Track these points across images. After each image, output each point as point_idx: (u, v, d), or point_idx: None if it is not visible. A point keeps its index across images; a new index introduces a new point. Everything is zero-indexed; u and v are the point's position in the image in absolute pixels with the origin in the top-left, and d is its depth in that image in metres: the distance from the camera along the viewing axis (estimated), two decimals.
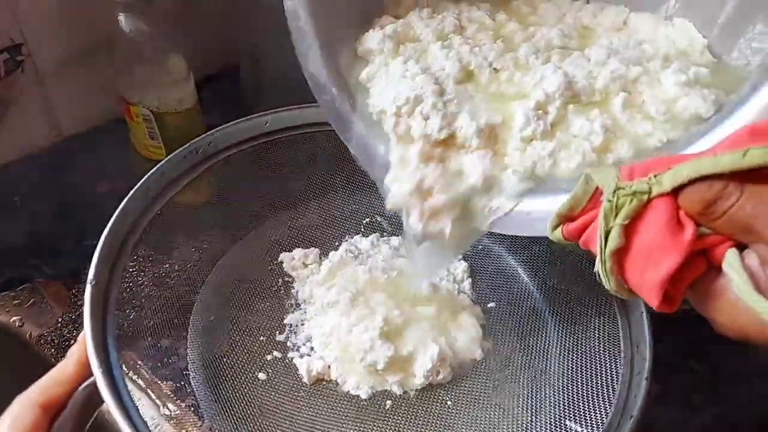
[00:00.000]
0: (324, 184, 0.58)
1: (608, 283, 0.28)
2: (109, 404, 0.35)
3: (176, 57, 0.62)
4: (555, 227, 0.31)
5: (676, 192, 0.26)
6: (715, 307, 0.27)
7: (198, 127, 0.67)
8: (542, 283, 0.53)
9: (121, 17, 0.58)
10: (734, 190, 0.25)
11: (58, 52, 0.72)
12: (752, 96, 0.32)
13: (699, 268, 0.27)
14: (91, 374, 0.37)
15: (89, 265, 0.63)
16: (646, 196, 0.26)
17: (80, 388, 0.36)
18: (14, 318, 0.62)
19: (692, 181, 0.25)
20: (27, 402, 0.34)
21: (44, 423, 0.34)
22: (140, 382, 0.42)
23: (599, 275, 0.29)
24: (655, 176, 0.26)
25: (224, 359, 0.46)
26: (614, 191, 0.27)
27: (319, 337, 0.48)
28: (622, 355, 0.44)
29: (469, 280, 0.54)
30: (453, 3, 0.46)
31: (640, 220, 0.27)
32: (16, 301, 0.63)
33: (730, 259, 0.26)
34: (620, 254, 0.27)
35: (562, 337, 0.49)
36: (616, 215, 0.27)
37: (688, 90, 0.39)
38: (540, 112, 0.38)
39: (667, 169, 0.26)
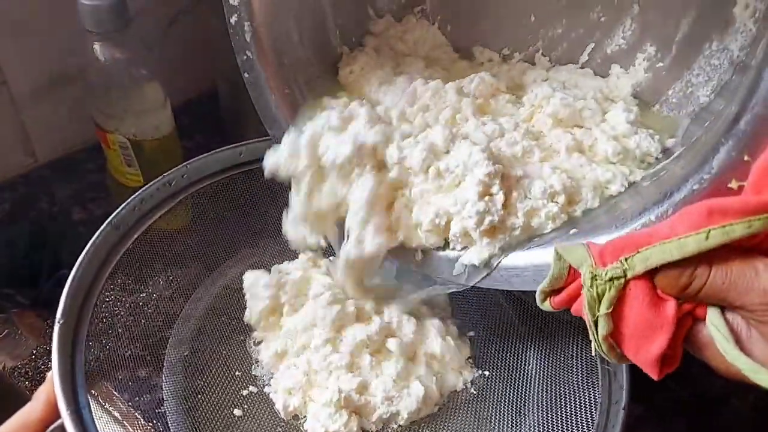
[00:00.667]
0: None
1: (609, 358, 0.30)
2: None
3: (153, 84, 0.62)
4: (543, 300, 0.33)
5: (649, 273, 0.28)
6: (707, 355, 0.29)
7: (176, 152, 0.66)
8: (522, 311, 0.53)
9: (96, 46, 0.58)
10: (703, 271, 0.27)
11: (34, 79, 0.72)
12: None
13: (687, 324, 0.29)
14: (59, 415, 0.36)
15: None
16: (622, 280, 0.28)
17: (48, 430, 0.35)
18: None
19: (662, 266, 0.27)
20: None
21: None
22: (116, 414, 0.41)
23: (598, 352, 0.30)
24: (626, 259, 0.28)
25: (199, 395, 0.46)
26: (591, 280, 0.29)
27: (290, 378, 0.47)
28: (600, 383, 0.44)
29: (449, 307, 0.54)
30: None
31: (622, 303, 0.29)
32: None
33: (712, 319, 0.28)
34: (613, 336, 0.29)
35: (541, 365, 0.49)
36: (599, 302, 0.29)
37: (635, 129, 0.40)
38: (486, 198, 0.38)
39: (635, 251, 0.28)
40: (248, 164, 0.53)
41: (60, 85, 0.73)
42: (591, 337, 0.30)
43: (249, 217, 0.55)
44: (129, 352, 0.46)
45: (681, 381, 0.63)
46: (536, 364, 0.49)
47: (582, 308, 0.30)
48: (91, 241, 0.44)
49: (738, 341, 0.27)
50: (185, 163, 0.51)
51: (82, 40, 0.59)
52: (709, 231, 0.26)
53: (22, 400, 0.58)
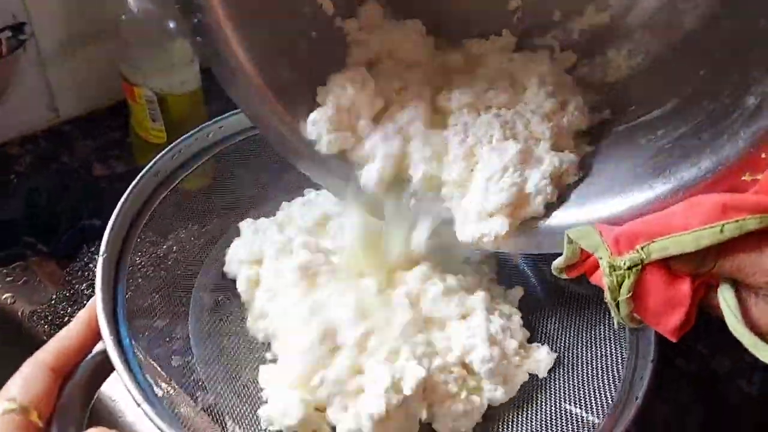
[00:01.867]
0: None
1: (630, 325, 0.34)
2: (120, 373, 0.35)
3: (182, 40, 0.63)
4: (559, 273, 0.36)
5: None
6: (721, 315, 0.31)
7: (200, 112, 0.67)
8: (542, 274, 0.55)
9: None
10: (715, 256, 0.30)
11: (61, 34, 0.72)
12: None
13: (700, 293, 0.32)
14: (97, 342, 0.37)
15: (84, 246, 0.64)
16: (639, 267, 0.31)
17: (89, 356, 0.36)
18: (6, 295, 0.62)
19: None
20: (39, 365, 0.35)
21: (55, 386, 0.34)
22: (155, 358, 0.43)
23: (620, 322, 0.33)
24: (642, 248, 0.31)
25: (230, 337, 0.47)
26: (610, 269, 0.31)
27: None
28: (627, 339, 0.45)
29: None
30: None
31: (641, 286, 0.31)
32: (8, 278, 0.63)
33: (722, 292, 0.31)
34: (634, 312, 0.32)
35: (568, 323, 0.51)
36: (619, 288, 0.31)
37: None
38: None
39: (650, 241, 0.31)
40: None
41: (88, 40, 0.73)
42: (613, 314, 0.33)
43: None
44: (160, 295, 0.47)
45: (688, 357, 0.65)
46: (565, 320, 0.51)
47: (600, 281, 0.33)
48: (133, 183, 0.45)
49: (746, 313, 0.30)
50: (221, 116, 0.52)
51: None
52: (724, 225, 0.28)
53: (41, 341, 0.59)
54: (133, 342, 0.39)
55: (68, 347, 0.36)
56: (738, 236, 0.29)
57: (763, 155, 0.31)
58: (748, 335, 0.30)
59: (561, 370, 0.47)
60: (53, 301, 0.61)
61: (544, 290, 0.54)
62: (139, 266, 0.45)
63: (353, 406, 0.41)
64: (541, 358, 0.47)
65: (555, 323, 0.51)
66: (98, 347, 0.37)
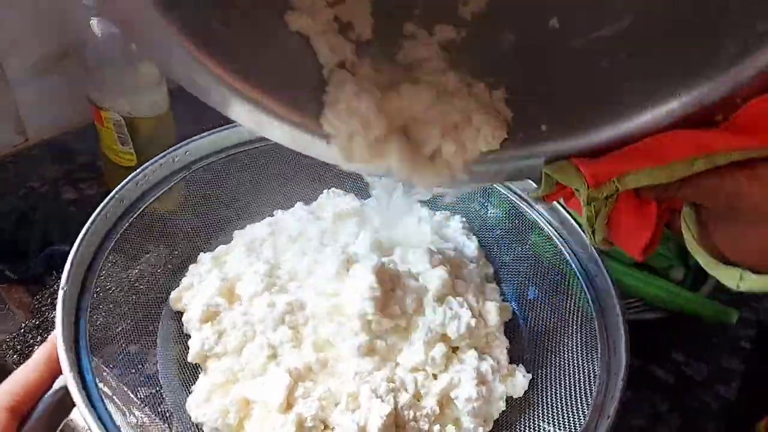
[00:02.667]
0: (306, 189, 0.59)
1: (602, 248, 0.36)
2: (81, 409, 0.35)
3: (148, 62, 0.62)
4: (537, 201, 0.39)
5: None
6: (682, 237, 0.34)
7: (170, 133, 0.67)
8: (518, 291, 0.55)
9: (93, 21, 0.59)
10: (680, 184, 0.32)
11: (28, 57, 0.72)
12: None
13: (665, 217, 0.35)
14: (57, 377, 0.36)
15: (53, 272, 0.64)
16: (615, 196, 0.33)
17: (50, 392, 0.36)
18: None
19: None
20: None
21: (12, 427, 0.34)
22: (106, 389, 0.42)
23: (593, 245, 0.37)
24: (618, 180, 0.33)
25: (197, 367, 0.47)
26: (588, 200, 0.34)
27: None
28: (599, 356, 0.45)
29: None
30: None
31: (614, 213, 0.34)
32: None
33: (685, 215, 0.34)
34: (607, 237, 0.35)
35: (539, 340, 0.51)
36: (596, 216, 0.34)
37: None
38: None
39: (626, 172, 0.33)
40: (251, 143, 0.54)
41: (55, 63, 0.73)
42: (588, 240, 0.37)
43: (248, 194, 0.56)
44: (125, 322, 0.46)
45: (664, 365, 0.65)
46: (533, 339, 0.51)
47: (576, 206, 0.35)
48: (96, 211, 0.44)
49: (705, 235, 0.33)
50: (188, 140, 0.51)
51: (78, 15, 0.59)
52: (695, 160, 0.31)
53: (9, 371, 0.58)
54: (96, 375, 0.38)
55: (25, 385, 0.35)
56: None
57: (738, 100, 0.32)
58: (703, 254, 0.33)
59: (536, 390, 0.47)
60: (22, 330, 0.60)
61: (522, 312, 0.54)
62: (105, 294, 0.45)
63: None
64: (518, 381, 0.47)
65: (530, 343, 0.51)
66: (59, 382, 0.36)
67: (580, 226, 0.43)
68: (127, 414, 0.42)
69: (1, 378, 0.58)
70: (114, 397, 0.42)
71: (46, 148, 0.78)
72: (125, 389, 0.44)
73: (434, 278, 0.48)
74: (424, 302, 0.47)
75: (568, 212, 0.51)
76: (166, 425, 0.43)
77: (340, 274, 0.47)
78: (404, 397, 0.42)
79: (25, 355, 0.59)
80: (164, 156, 0.50)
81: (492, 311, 0.50)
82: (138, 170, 0.48)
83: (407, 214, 0.54)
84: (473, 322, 0.47)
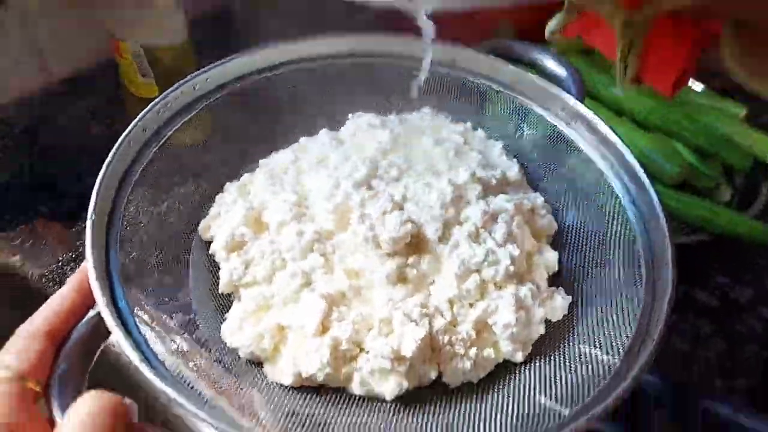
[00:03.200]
0: (331, 116, 0.57)
1: (629, 88, 0.35)
2: (115, 333, 0.35)
3: None
4: (552, 35, 0.36)
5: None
6: (724, 61, 0.32)
7: (190, 63, 0.65)
8: (556, 215, 0.53)
9: None
10: None
11: None
12: None
13: (705, 43, 0.33)
14: (91, 306, 0.36)
15: (87, 206, 0.64)
16: (652, 18, 0.31)
17: (84, 319, 0.36)
18: (14, 259, 0.62)
19: None
20: (32, 331, 0.34)
21: (50, 351, 0.34)
22: (144, 317, 0.42)
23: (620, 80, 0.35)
24: (650, 3, 0.30)
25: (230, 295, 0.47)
26: (624, 27, 0.31)
27: None
28: (643, 279, 0.43)
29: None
30: None
31: (647, 43, 0.32)
32: (15, 242, 0.63)
33: (725, 31, 0.31)
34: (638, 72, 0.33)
35: (580, 264, 0.49)
36: (629, 48, 0.32)
37: None
38: None
39: None
40: (273, 68, 0.52)
41: None
42: (618, 78, 0.34)
43: (272, 121, 0.54)
44: (160, 254, 0.46)
45: (708, 288, 0.64)
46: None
47: (595, 40, 0.34)
48: (119, 141, 0.44)
49: (743, 53, 0.31)
50: (207, 66, 0.50)
51: None
52: None
53: None
54: (130, 302, 0.38)
55: (60, 312, 0.35)
56: None
57: None
58: (740, 73, 0.31)
59: (576, 314, 0.46)
60: (60, 263, 0.62)
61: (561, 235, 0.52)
62: (134, 224, 0.44)
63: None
64: (557, 304, 0.46)
65: (570, 266, 0.49)
66: (93, 311, 0.36)
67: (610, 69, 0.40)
68: (168, 341, 0.42)
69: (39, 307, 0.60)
70: (154, 324, 0.42)
71: (71, 85, 0.78)
72: (163, 317, 0.44)
73: (474, 211, 0.47)
74: (459, 234, 0.46)
75: (609, 127, 0.48)
76: (205, 350, 0.43)
77: (363, 200, 0.46)
78: (439, 322, 0.42)
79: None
80: (185, 83, 0.48)
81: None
82: (158, 98, 0.47)
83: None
84: (511, 266, 0.45)
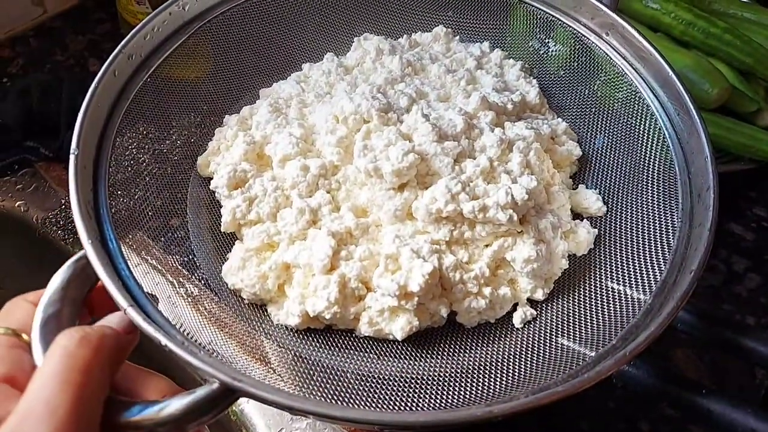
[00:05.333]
0: (334, 39, 0.52)
1: None
2: (102, 277, 0.32)
3: None
4: None
5: None
6: None
7: None
8: (584, 138, 0.48)
9: None
10: None
11: None
12: None
13: None
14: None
15: None
16: None
17: (69, 261, 0.33)
18: (18, 203, 0.60)
19: None
20: (24, 296, 0.33)
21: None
22: (139, 259, 0.39)
23: None
24: None
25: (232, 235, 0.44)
26: None
27: None
28: (680, 205, 0.39)
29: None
30: None
31: None
32: (18, 186, 0.61)
33: None
34: None
35: (609, 191, 0.45)
36: None
37: None
38: None
39: None
40: None
41: None
42: None
43: (273, 44, 0.50)
44: (162, 194, 0.44)
45: (745, 222, 0.61)
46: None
47: None
48: (102, 69, 0.40)
49: None
50: None
51: None
52: None
53: (55, 247, 0.58)
54: (121, 242, 0.36)
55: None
56: None
57: None
58: None
59: (604, 247, 0.42)
60: (63, 206, 0.60)
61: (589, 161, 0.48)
62: (123, 160, 0.41)
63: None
64: (582, 238, 0.42)
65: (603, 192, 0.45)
66: (80, 252, 0.34)
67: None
68: (165, 284, 0.40)
69: (51, 252, 0.58)
70: (148, 266, 0.39)
71: (66, 19, 0.74)
72: (160, 257, 0.42)
73: (489, 140, 0.42)
74: (471, 170, 0.41)
75: (650, 43, 0.42)
76: (205, 292, 0.41)
77: (368, 132, 0.42)
78: (449, 259, 0.38)
79: (68, 230, 0.58)
80: (173, 3, 0.44)
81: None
82: (144, 21, 0.43)
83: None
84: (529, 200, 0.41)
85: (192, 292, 0.40)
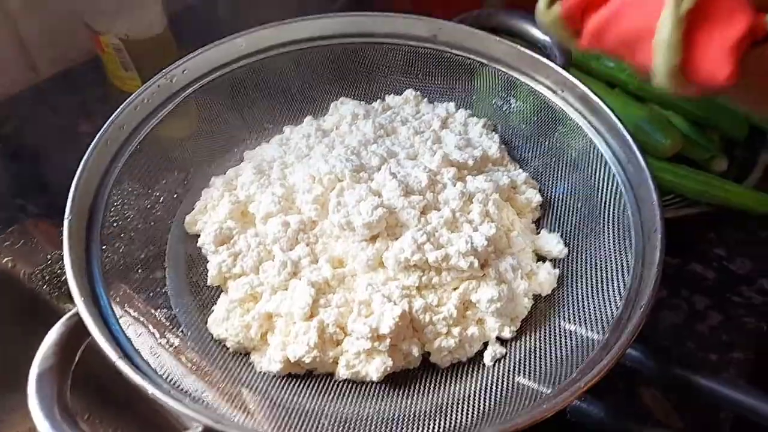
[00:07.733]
0: (313, 102, 0.56)
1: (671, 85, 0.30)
2: (94, 333, 0.34)
3: None
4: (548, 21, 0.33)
5: None
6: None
7: (172, 55, 0.64)
8: (546, 187, 0.52)
9: None
10: None
11: None
12: None
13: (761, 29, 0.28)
14: None
15: None
16: None
17: (62, 319, 0.35)
18: (6, 259, 0.62)
19: None
20: None
21: None
22: (128, 314, 0.42)
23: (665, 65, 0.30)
24: None
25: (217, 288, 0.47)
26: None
27: None
28: (633, 247, 0.43)
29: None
30: None
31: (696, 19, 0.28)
32: (6, 243, 0.63)
33: None
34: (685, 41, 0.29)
35: (569, 235, 0.48)
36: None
37: None
38: None
39: None
40: (251, 55, 0.51)
41: None
42: (659, 68, 0.30)
43: (258, 109, 0.53)
44: (147, 249, 0.46)
45: (704, 262, 0.62)
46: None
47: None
48: (95, 140, 0.43)
49: None
50: (185, 57, 0.49)
51: None
52: None
53: (43, 302, 0.60)
54: (112, 300, 0.38)
55: None
56: None
57: None
58: None
59: (566, 288, 0.45)
60: (50, 262, 0.61)
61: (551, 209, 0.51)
62: (115, 222, 0.44)
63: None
64: (544, 279, 0.46)
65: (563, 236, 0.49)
66: (72, 310, 0.36)
67: None
68: (152, 336, 0.42)
69: (37, 308, 0.60)
70: (136, 320, 0.41)
71: (58, 82, 0.77)
72: (153, 312, 0.44)
73: (451, 194, 0.46)
74: (436, 221, 0.45)
75: (600, 98, 0.47)
76: (190, 344, 0.43)
77: (342, 190, 0.45)
78: (419, 302, 0.41)
79: (53, 285, 0.60)
80: (161, 76, 0.48)
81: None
82: (134, 94, 0.46)
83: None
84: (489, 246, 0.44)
85: (177, 344, 0.42)
